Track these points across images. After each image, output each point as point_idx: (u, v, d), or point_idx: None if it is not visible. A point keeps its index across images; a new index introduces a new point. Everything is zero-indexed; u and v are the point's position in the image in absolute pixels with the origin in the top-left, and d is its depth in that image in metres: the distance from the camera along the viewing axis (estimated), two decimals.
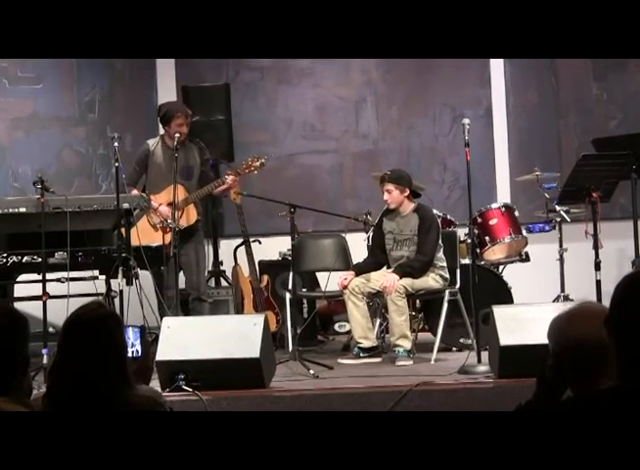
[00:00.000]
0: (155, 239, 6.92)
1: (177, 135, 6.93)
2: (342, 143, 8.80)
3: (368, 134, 8.79)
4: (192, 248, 7.15)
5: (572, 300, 7.13)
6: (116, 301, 6.32)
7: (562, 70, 8.64)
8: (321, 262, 7.31)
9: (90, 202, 6.58)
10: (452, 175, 8.65)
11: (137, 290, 6.28)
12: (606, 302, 2.41)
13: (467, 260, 6.71)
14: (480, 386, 5.46)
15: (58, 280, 6.34)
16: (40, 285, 6.07)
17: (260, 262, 7.85)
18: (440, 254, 6.71)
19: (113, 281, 6.58)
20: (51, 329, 6.18)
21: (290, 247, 6.80)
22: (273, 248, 8.01)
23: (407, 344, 6.48)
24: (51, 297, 6.07)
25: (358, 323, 6.60)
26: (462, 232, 7.22)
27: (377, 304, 7.02)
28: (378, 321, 7.00)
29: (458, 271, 6.74)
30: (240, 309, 7.65)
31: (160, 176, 7.03)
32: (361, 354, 6.58)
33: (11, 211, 6.44)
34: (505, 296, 6.93)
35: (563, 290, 7.48)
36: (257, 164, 7.11)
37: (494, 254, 7.44)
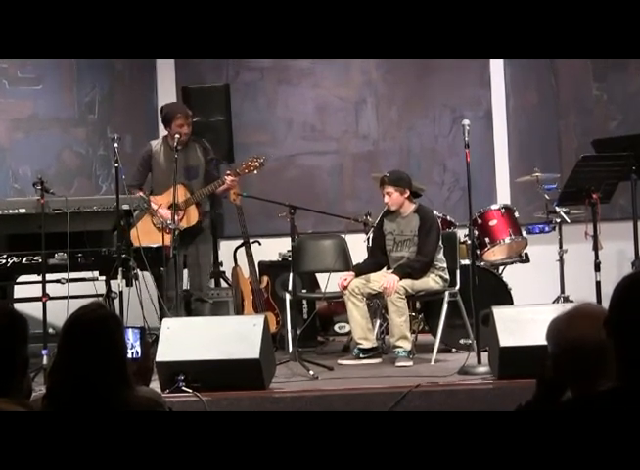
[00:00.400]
0: (159, 240, 6.91)
1: (177, 136, 6.94)
2: (342, 144, 8.80)
3: (368, 135, 8.79)
4: (195, 248, 7.16)
5: (572, 301, 7.12)
6: (116, 302, 6.32)
7: (562, 70, 8.65)
8: (321, 263, 7.31)
9: (90, 203, 6.59)
10: (452, 176, 8.65)
11: (137, 291, 6.27)
12: (606, 303, 2.41)
13: (467, 261, 6.71)
14: (479, 387, 5.46)
15: (58, 281, 6.34)
16: (40, 286, 6.07)
17: (260, 263, 7.85)
18: (441, 255, 6.70)
19: (112, 282, 6.59)
20: (51, 330, 6.18)
21: (290, 248, 6.79)
22: (273, 249, 8.01)
23: (407, 345, 6.48)
24: (51, 298, 6.07)
25: (358, 324, 6.60)
26: (462, 233, 7.22)
27: (377, 304, 7.02)
28: (378, 322, 7.00)
29: (458, 272, 6.73)
30: (240, 310, 7.64)
31: (163, 177, 7.04)
32: (361, 355, 6.58)
33: (11, 212, 6.44)
34: (505, 297, 6.93)
35: (562, 291, 7.48)
36: (256, 163, 7.10)
37: (494, 255, 7.44)
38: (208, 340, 5.59)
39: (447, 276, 6.69)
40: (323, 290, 7.23)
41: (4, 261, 6.47)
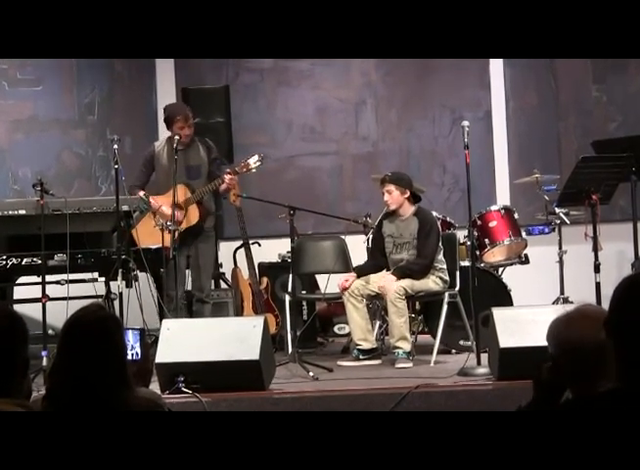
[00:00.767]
0: (159, 241, 6.89)
1: (176, 137, 6.95)
2: (342, 145, 8.81)
3: (368, 136, 8.80)
4: (195, 249, 7.15)
5: (572, 302, 7.12)
6: (116, 303, 6.32)
7: (561, 71, 8.65)
8: (321, 265, 7.31)
9: (90, 204, 6.59)
10: (452, 177, 8.65)
11: (136, 292, 6.27)
12: (605, 304, 2.41)
13: (466, 263, 6.71)
14: (479, 388, 5.46)
15: (57, 282, 6.34)
16: (40, 287, 6.07)
17: (260, 265, 7.85)
18: (441, 256, 6.70)
19: (112, 283, 6.58)
20: (50, 331, 6.18)
21: (289, 249, 6.79)
22: (273, 250, 8.01)
23: (407, 346, 6.48)
24: (50, 299, 6.07)
25: (358, 325, 6.60)
26: (461, 234, 7.22)
27: (376, 306, 7.02)
28: (377, 323, 7.00)
29: (458, 273, 6.73)
30: (239, 312, 7.64)
31: (166, 177, 7.04)
32: (361, 357, 6.58)
33: (10, 213, 6.44)
34: (504, 298, 6.93)
35: (562, 292, 7.48)
36: (255, 161, 7.08)
37: (494, 256, 7.44)
38: (208, 341, 5.59)
39: (447, 277, 6.69)
40: (323, 291, 7.23)
41: (4, 263, 6.46)
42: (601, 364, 2.52)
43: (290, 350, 6.51)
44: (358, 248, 7.34)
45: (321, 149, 8.81)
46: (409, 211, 6.75)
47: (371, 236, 7.04)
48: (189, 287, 7.32)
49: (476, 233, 6.73)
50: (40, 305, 6.01)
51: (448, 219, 7.40)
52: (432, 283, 6.64)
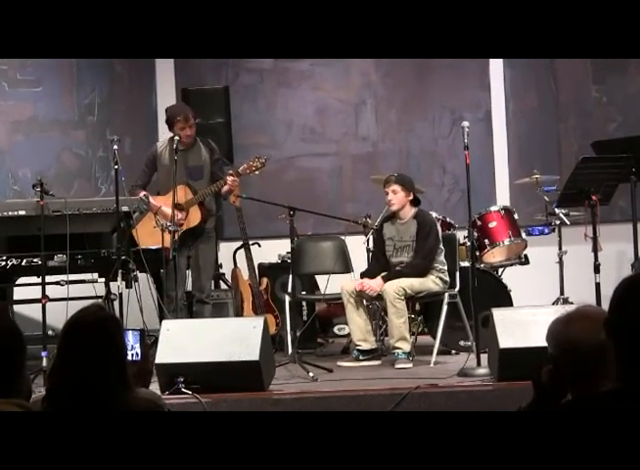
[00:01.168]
0: (159, 242, 6.89)
1: (176, 138, 6.95)
2: (342, 146, 8.81)
3: (368, 137, 8.80)
4: (196, 249, 7.15)
5: (572, 302, 7.12)
6: (116, 304, 6.32)
7: (561, 72, 8.65)
8: (320, 265, 7.31)
9: (89, 204, 6.58)
10: (452, 178, 8.66)
11: (136, 293, 6.27)
12: (605, 304, 2.41)
13: (466, 263, 6.71)
14: (479, 388, 5.45)
15: (57, 283, 6.34)
16: (40, 288, 6.07)
17: (260, 265, 7.85)
18: (442, 257, 6.70)
19: (112, 284, 6.58)
20: (50, 332, 6.17)
21: (289, 250, 6.79)
22: (272, 250, 8.02)
23: (406, 346, 6.48)
24: (50, 299, 6.06)
25: (357, 326, 6.60)
26: (461, 235, 7.22)
27: (376, 306, 7.02)
28: (377, 324, 6.99)
29: (457, 274, 6.73)
30: (239, 312, 7.65)
31: (167, 178, 7.04)
32: (360, 357, 6.58)
33: (10, 213, 6.43)
34: (504, 298, 6.93)
35: (562, 293, 7.48)
36: (258, 163, 7.08)
37: (494, 256, 7.44)
38: (208, 342, 5.59)
39: (447, 278, 6.69)
40: (322, 292, 7.23)
41: (4, 263, 6.46)
42: (601, 365, 2.52)
43: (289, 350, 6.51)
44: (358, 248, 7.34)
45: (321, 149, 8.81)
46: (409, 214, 6.76)
47: (371, 237, 7.04)
48: (189, 288, 7.32)
49: (475, 234, 6.72)
50: (40, 305, 6.01)
51: (448, 220, 7.40)
52: (432, 283, 6.64)
